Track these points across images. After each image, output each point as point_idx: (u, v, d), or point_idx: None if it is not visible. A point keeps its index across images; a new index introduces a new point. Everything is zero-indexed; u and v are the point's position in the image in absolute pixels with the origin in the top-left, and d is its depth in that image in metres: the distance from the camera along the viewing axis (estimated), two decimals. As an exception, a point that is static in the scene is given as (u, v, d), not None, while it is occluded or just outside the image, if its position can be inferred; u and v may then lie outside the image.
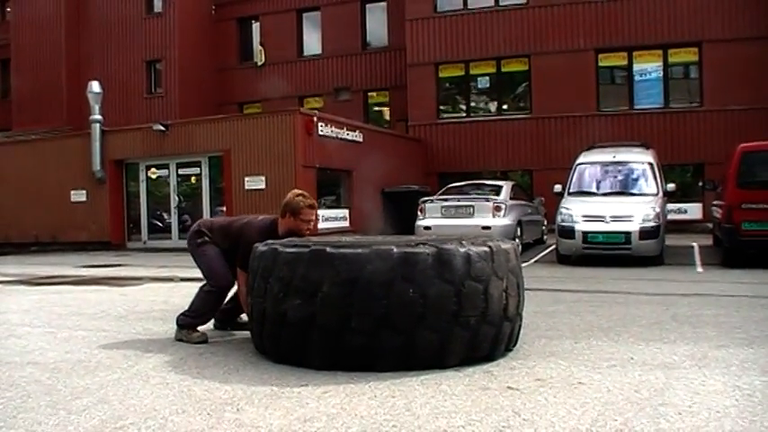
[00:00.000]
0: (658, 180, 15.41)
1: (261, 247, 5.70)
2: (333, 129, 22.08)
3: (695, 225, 23.13)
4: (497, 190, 16.74)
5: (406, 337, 4.96)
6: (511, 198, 16.50)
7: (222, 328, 7.06)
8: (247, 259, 5.98)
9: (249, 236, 6.38)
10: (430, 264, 4.97)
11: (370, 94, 31.28)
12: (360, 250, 5.03)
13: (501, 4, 27.42)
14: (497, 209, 15.65)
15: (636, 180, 15.54)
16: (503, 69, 27.44)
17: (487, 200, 15.89)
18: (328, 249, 5.09)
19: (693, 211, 24.09)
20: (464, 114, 28.02)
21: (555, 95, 25.79)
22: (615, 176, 15.77)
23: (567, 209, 14.65)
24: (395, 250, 5.00)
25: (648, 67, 25.96)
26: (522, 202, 17.55)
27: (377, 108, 31.78)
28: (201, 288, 6.66)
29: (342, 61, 31.33)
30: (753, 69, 23.77)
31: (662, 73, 25.79)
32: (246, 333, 6.44)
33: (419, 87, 27.90)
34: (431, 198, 16.94)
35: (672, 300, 8.99)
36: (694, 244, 17.77)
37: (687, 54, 25.57)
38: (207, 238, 6.71)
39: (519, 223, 16.19)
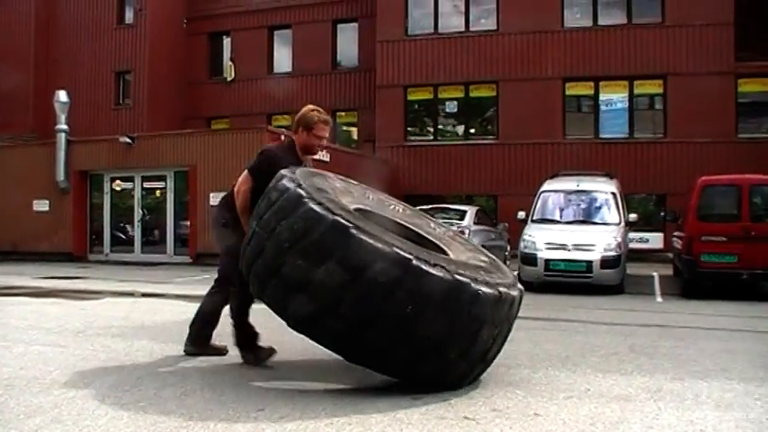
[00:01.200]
0: (621, 210, 15.59)
1: (287, 182, 5.29)
2: (299, 147, 22.09)
3: (657, 254, 23.35)
4: (461, 215, 16.83)
5: (384, 344, 4.88)
6: (475, 223, 16.60)
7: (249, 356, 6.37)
8: (256, 167, 6.06)
9: (276, 159, 6.02)
10: (437, 288, 4.77)
11: (338, 113, 31.30)
12: (372, 241, 4.80)
13: (471, 29, 27.65)
14: (461, 234, 15.68)
15: (599, 209, 15.72)
16: (471, 94, 27.63)
17: (451, 225, 15.94)
18: (351, 229, 4.81)
19: (655, 240, 24.33)
20: (431, 137, 28.17)
21: (522, 122, 26.01)
22: (578, 205, 15.94)
23: (530, 236, 14.77)
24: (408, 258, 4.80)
25: (614, 98, 26.29)
26: (486, 228, 17.66)
27: (345, 128, 31.83)
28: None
29: (311, 80, 31.36)
30: (716, 103, 24.14)
31: (627, 103, 26.12)
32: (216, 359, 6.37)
33: (388, 109, 28.00)
34: (395, 221, 16.93)
35: (630, 330, 9.08)
36: (655, 273, 17.95)
37: (652, 86, 25.94)
38: (227, 219, 6.27)
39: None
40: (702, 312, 11.47)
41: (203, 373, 5.90)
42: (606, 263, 14.02)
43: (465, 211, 17.23)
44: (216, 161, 21.26)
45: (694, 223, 14.10)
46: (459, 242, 6.48)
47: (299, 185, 5.19)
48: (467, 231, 15.87)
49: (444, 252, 5.86)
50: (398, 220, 6.38)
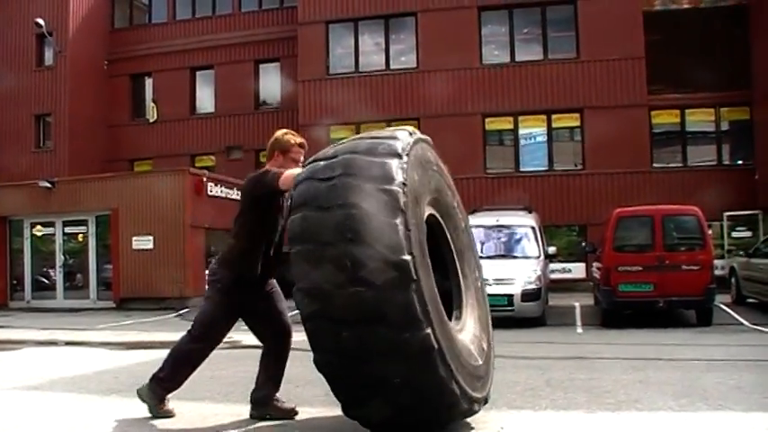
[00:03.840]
0: (540, 243, 15.90)
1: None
2: (223, 188, 22.05)
3: (580, 284, 23.74)
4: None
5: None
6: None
7: (260, 415, 6.03)
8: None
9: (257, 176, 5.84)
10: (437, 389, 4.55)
11: (262, 153, 31.19)
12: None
13: (392, 67, 27.96)
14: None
15: (518, 243, 16.03)
16: (391, 131, 27.88)
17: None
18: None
19: (578, 270, 24.74)
20: (356, 175, 28.23)
21: (443, 157, 26.07)
22: (498, 239, 16.23)
23: (452, 271, 14.93)
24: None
25: (533, 131, 26.82)
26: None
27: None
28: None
29: (234, 120, 31.28)
30: (631, 135, 24.75)
31: (546, 137, 26.65)
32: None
33: (311, 148, 27.84)
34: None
35: (548, 363, 9.25)
36: (576, 303, 18.26)
37: (570, 119, 26.54)
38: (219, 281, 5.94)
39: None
40: (620, 342, 11.74)
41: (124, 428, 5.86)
42: (527, 296, 14.29)
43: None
44: (137, 204, 21.13)
45: (611, 254, 14.48)
46: (475, 299, 5.98)
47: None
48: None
49: (459, 312, 5.58)
50: (452, 250, 5.94)
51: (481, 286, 6.26)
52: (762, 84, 24.32)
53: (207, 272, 6.47)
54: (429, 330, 4.32)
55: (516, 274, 14.57)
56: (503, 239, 16.22)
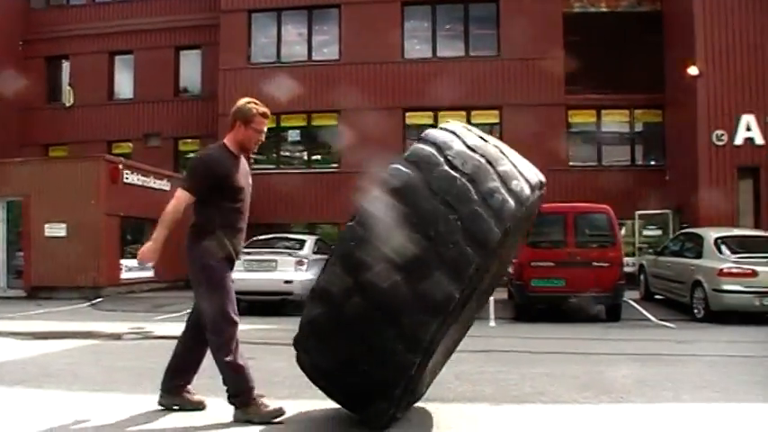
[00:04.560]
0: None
1: None
2: (139, 176, 21.77)
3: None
4: (301, 244, 16.94)
5: None
6: (314, 252, 16.72)
7: (168, 404, 5.84)
8: (209, 189, 5.53)
9: (194, 161, 5.75)
10: None
11: (181, 141, 30.92)
12: None
13: (314, 58, 27.93)
14: (300, 263, 15.85)
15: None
16: (313, 123, 27.87)
17: (290, 254, 16.07)
18: None
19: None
20: (274, 166, 28.16)
21: (363, 150, 26.29)
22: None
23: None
24: None
25: (453, 127, 27.04)
26: (326, 257, 17.75)
27: (188, 156, 31.42)
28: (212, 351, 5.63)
29: (153, 107, 30.81)
30: (549, 133, 25.13)
31: (465, 133, 26.88)
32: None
33: (230, 138, 27.74)
34: (232, 251, 16.78)
35: (459, 357, 9.29)
36: (491, 298, 18.48)
37: (489, 116, 26.89)
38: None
39: (321, 277, 16.40)
40: (531, 336, 11.97)
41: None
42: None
43: (304, 241, 17.37)
44: (50, 190, 20.64)
45: (524, 250, 14.72)
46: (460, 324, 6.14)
47: None
48: (305, 261, 15.97)
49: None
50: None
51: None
52: (673, 89, 24.96)
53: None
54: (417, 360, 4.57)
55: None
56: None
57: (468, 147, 4.94)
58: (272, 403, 5.54)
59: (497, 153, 4.99)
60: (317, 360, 4.92)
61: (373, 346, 4.59)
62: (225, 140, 5.78)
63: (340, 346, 4.73)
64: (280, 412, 5.47)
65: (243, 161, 5.87)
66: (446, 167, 4.77)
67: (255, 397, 5.48)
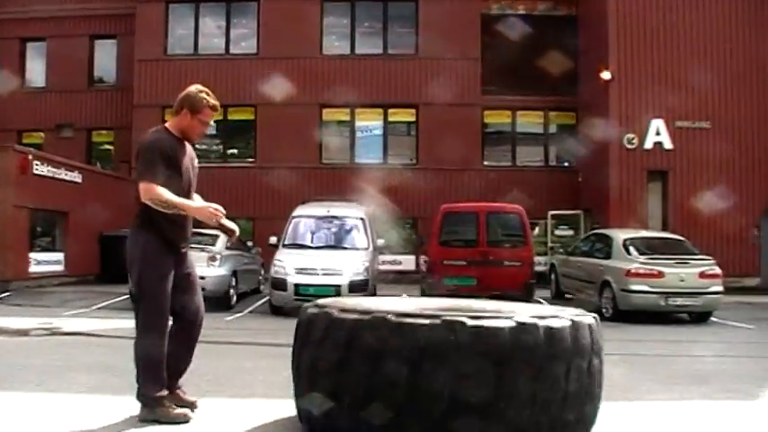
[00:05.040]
0: (369, 235, 16.09)
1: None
2: (50, 168, 21.18)
3: (410, 275, 24.12)
4: (214, 239, 16.72)
5: None
6: (227, 248, 16.54)
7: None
8: (157, 169, 5.12)
9: (148, 145, 5.27)
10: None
11: (95, 132, 30.24)
12: None
13: (231, 52, 27.62)
14: (212, 259, 15.65)
15: (348, 234, 16.18)
16: (230, 117, 27.54)
17: (202, 249, 15.85)
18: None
19: (408, 262, 25.19)
20: (189, 159, 27.70)
21: (279, 146, 26.14)
22: (329, 230, 16.33)
23: (281, 261, 14.94)
24: None
25: (370, 125, 27.13)
26: (239, 252, 17.63)
27: (102, 148, 30.77)
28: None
29: (66, 96, 30.02)
30: (464, 133, 25.36)
31: (382, 130, 27.00)
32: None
33: (144, 129, 26.79)
34: (146, 246, 16.49)
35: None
36: (404, 294, 18.53)
37: (406, 114, 27.01)
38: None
39: (234, 273, 16.26)
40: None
41: None
42: (355, 287, 14.43)
43: (217, 236, 17.11)
44: (-46, 181, 19.96)
45: (436, 248, 14.82)
46: None
47: None
48: (218, 256, 15.79)
49: None
50: None
51: None
52: (585, 92, 25.45)
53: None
54: None
55: (345, 266, 14.70)
56: (333, 230, 16.36)
57: None
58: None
59: None
60: None
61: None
62: (167, 125, 5.50)
63: None
64: (186, 418, 5.24)
65: (187, 145, 5.59)
66: None
67: (166, 398, 5.26)
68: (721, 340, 12.43)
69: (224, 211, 5.29)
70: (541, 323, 4.43)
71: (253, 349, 9.71)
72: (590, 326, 4.69)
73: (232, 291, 16.03)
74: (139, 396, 5.19)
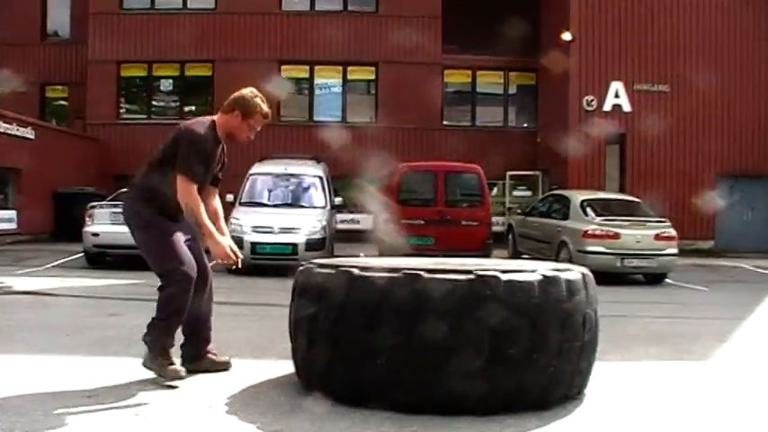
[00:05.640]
0: (327, 193, 16.02)
1: None
2: (1, 123, 20.77)
3: (367, 234, 24.07)
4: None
5: None
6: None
7: (196, 369, 5.50)
8: (197, 164, 5.21)
9: (195, 134, 5.32)
10: None
11: (49, 87, 29.64)
12: None
13: (189, 6, 27.15)
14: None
15: (305, 192, 16.09)
16: (187, 73, 27.18)
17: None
18: None
19: (366, 221, 25.12)
20: (145, 116, 27.38)
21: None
22: (286, 188, 16.24)
23: (237, 219, 14.80)
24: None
25: (329, 82, 26.93)
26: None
27: (56, 104, 30.22)
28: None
29: (18, 50, 29.32)
30: (424, 92, 25.20)
31: (341, 88, 26.83)
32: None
33: (99, 85, 26.80)
34: (100, 203, 16.31)
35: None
36: (361, 254, 18.51)
37: (365, 72, 26.84)
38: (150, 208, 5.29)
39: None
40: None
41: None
42: (311, 245, 14.37)
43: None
44: None
45: (395, 207, 14.77)
46: None
47: None
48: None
49: None
50: None
51: None
52: (546, 53, 25.40)
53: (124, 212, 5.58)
54: None
55: (301, 224, 14.61)
56: (290, 188, 16.26)
57: None
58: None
59: None
60: None
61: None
62: (216, 119, 5.51)
63: None
64: (179, 375, 5.21)
65: (222, 147, 5.61)
66: None
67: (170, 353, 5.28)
68: (675, 302, 12.57)
69: (240, 256, 5.38)
70: (562, 276, 4.70)
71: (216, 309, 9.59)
72: (592, 278, 5.02)
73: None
74: (147, 339, 5.21)
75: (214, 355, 5.65)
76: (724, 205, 22.36)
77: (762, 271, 17.86)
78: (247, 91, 5.50)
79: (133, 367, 5.30)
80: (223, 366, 5.63)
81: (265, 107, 5.47)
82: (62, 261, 16.33)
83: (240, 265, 5.37)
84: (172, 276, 5.17)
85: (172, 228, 5.30)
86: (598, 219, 14.90)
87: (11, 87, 26.81)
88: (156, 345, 5.18)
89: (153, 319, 5.22)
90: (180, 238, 5.29)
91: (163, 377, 5.15)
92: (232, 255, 5.28)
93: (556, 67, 22.69)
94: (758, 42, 22.99)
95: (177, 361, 5.30)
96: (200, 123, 5.48)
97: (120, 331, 7.04)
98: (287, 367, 5.35)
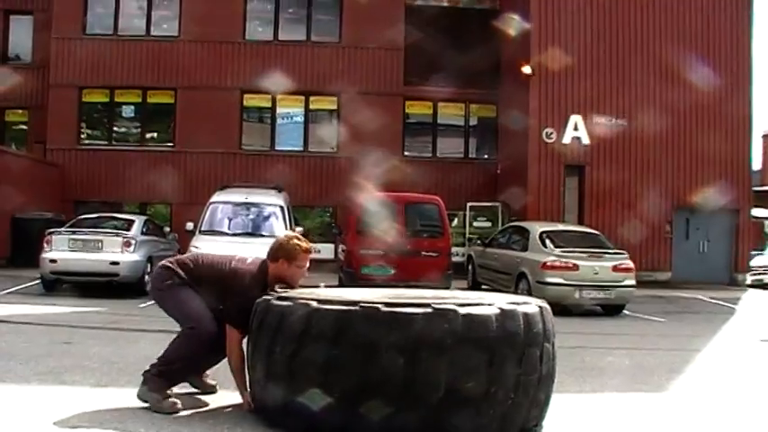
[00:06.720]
0: (287, 222, 16.02)
1: None
2: (-41, 148, 20.59)
3: (327, 264, 24.03)
4: (129, 224, 16.43)
5: None
6: (143, 233, 16.25)
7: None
8: (244, 315, 5.32)
9: (243, 284, 5.56)
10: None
11: (9, 111, 29.33)
12: None
13: (152, 33, 27.08)
14: (127, 244, 15.34)
15: (266, 221, 16.08)
16: (149, 100, 27.07)
17: (117, 234, 15.55)
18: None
19: (327, 251, 25.06)
20: (106, 142, 27.21)
21: (199, 130, 25.74)
22: (246, 217, 16.23)
23: (197, 248, 14.70)
24: None
25: (291, 112, 26.99)
26: (155, 238, 17.35)
27: (16, 128, 29.91)
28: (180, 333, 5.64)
29: (-22, 73, 29.07)
30: (386, 123, 25.21)
31: (304, 118, 26.90)
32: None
33: (60, 110, 26.61)
34: (58, 230, 16.17)
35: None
36: (321, 284, 18.44)
37: (327, 102, 26.94)
38: (179, 279, 5.69)
39: (150, 259, 15.96)
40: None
41: None
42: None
43: (133, 221, 16.83)
44: None
45: (354, 237, 14.82)
46: None
47: None
48: (133, 241, 15.50)
49: None
50: None
51: None
52: (506, 85, 25.75)
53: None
54: None
55: (261, 253, 14.51)
56: (251, 217, 16.26)
57: None
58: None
59: None
60: None
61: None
62: (269, 270, 5.77)
63: None
64: (176, 408, 5.37)
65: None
66: None
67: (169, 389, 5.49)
68: (633, 333, 12.73)
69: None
70: (520, 309, 4.79)
71: (167, 336, 9.52)
72: (549, 311, 5.12)
73: (147, 277, 15.72)
74: (147, 376, 5.41)
75: (206, 376, 5.98)
76: (680, 237, 22.73)
77: (718, 302, 18.14)
78: (283, 238, 5.99)
79: (88, 396, 5.27)
80: (210, 389, 5.95)
81: (304, 244, 5.80)
82: (18, 287, 16.10)
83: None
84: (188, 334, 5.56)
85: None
86: (557, 250, 15.04)
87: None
88: (153, 384, 5.38)
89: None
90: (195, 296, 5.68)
91: (158, 411, 5.26)
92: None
93: (516, 100, 22.98)
94: (715, 76, 23.37)
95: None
96: (252, 275, 5.69)
97: (73, 359, 6.98)
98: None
